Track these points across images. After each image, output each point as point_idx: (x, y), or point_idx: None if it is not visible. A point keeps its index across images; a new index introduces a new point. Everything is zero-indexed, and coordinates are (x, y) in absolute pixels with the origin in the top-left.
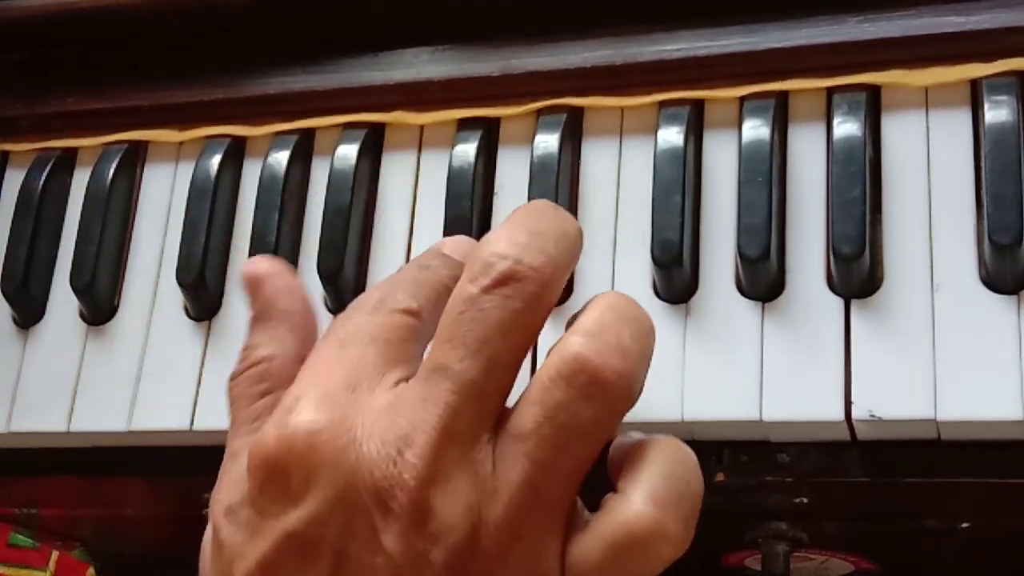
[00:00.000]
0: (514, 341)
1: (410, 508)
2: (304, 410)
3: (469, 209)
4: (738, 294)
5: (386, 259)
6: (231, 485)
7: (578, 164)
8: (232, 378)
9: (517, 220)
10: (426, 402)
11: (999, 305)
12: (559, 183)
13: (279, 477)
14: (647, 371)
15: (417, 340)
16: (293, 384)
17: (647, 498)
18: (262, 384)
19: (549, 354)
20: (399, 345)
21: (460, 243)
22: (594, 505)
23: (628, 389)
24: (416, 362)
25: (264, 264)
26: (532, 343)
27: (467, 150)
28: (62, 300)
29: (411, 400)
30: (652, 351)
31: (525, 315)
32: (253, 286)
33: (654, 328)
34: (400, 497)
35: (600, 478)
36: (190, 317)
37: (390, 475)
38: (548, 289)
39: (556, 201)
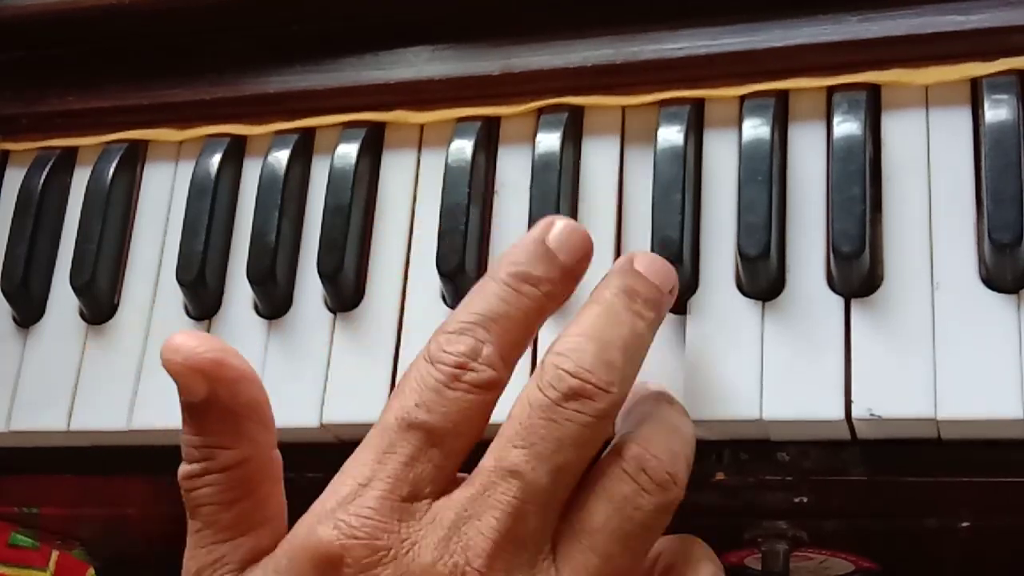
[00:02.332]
0: (583, 453)
1: None
2: (365, 516)
3: (468, 208)
4: (738, 293)
5: (386, 257)
6: None
7: (578, 163)
8: (189, 476)
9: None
10: (493, 506)
11: (999, 304)
12: (560, 182)
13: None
14: (689, 475)
15: (489, 416)
16: (352, 465)
17: None
18: (238, 489)
19: (603, 455)
20: (470, 436)
21: (571, 234)
22: None
23: (679, 491)
24: (480, 435)
25: (207, 346)
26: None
27: (466, 149)
28: (62, 299)
29: (475, 504)
30: (693, 453)
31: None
32: (200, 376)
33: (694, 434)
34: None
35: None
36: (190, 316)
37: None
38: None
39: (557, 200)
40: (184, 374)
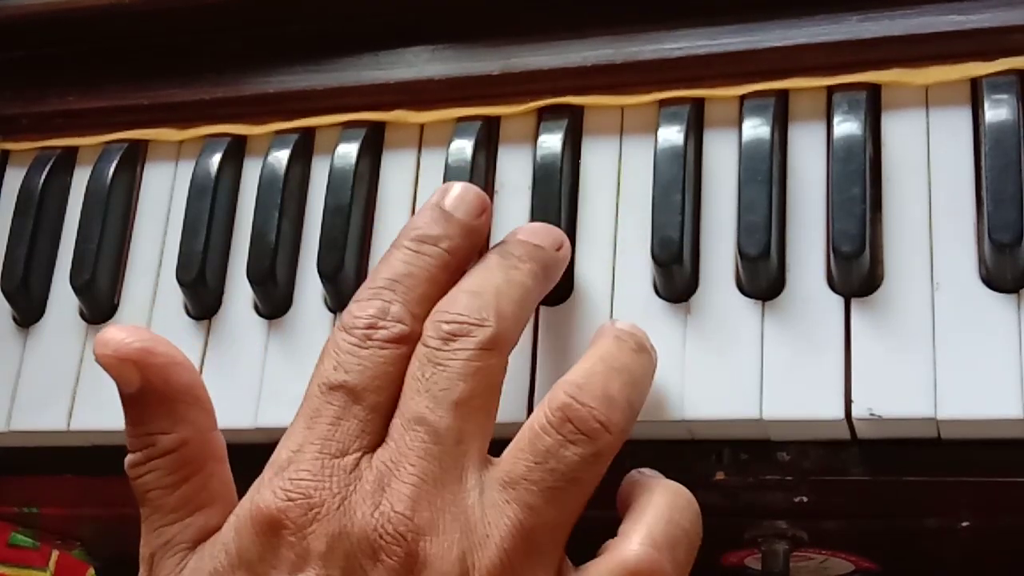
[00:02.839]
0: (477, 384)
1: (404, 558)
2: (301, 479)
3: None
4: (738, 292)
5: None
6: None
7: (578, 163)
8: (133, 465)
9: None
10: (407, 455)
11: (999, 303)
12: (560, 182)
13: (281, 545)
14: (634, 419)
15: (401, 375)
16: (285, 438)
17: (645, 539)
18: (181, 471)
19: (539, 404)
20: (388, 390)
21: (465, 193)
22: (588, 557)
23: (612, 436)
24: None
25: (134, 337)
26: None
27: (466, 149)
28: (62, 299)
29: (392, 456)
30: (643, 398)
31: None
32: (131, 366)
33: (650, 372)
34: (394, 549)
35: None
36: (190, 316)
37: (382, 528)
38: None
39: (557, 200)
40: (115, 366)
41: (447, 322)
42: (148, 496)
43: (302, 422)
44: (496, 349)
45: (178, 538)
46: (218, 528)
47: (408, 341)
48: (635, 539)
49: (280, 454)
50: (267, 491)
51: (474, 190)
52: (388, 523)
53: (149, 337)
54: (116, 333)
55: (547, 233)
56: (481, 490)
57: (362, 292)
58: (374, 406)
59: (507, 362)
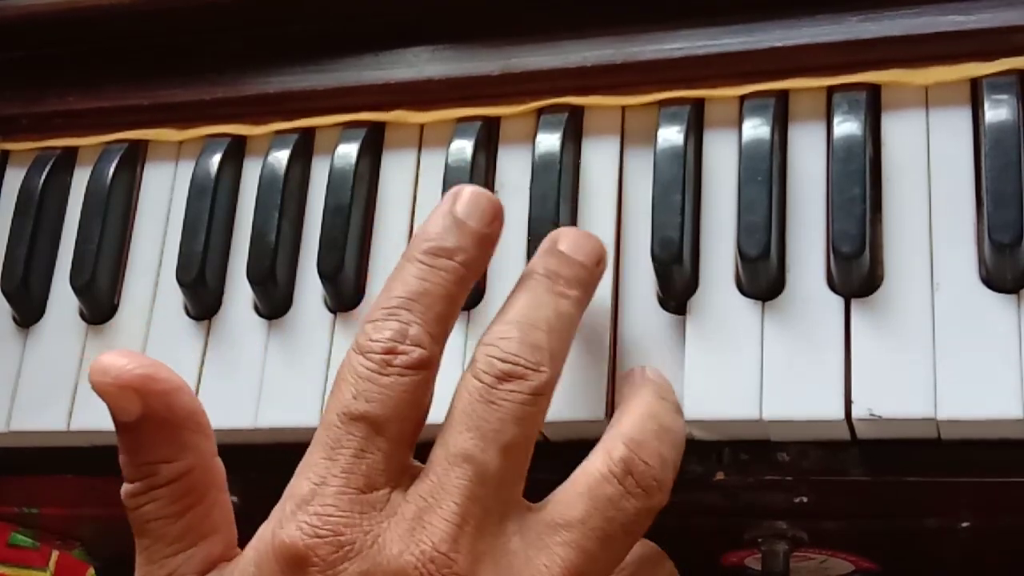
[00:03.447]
0: (526, 430)
1: None
2: (327, 514)
3: None
4: (738, 293)
5: (386, 257)
6: None
7: (578, 163)
8: (132, 495)
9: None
10: (449, 492)
11: (999, 304)
12: (560, 182)
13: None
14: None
15: (427, 394)
16: (305, 468)
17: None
18: (185, 499)
19: (592, 452)
20: (412, 419)
21: (477, 199)
22: None
23: (664, 496)
24: (424, 417)
25: (135, 363)
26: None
27: (467, 149)
28: (62, 299)
29: (432, 492)
30: (681, 457)
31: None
32: (132, 393)
33: (684, 434)
34: None
35: None
36: (190, 316)
37: (423, 568)
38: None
39: (557, 201)
40: (115, 393)
41: (502, 360)
42: (148, 527)
43: (322, 452)
44: (547, 394)
45: (182, 569)
46: (222, 558)
47: (428, 366)
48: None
49: (301, 486)
50: (291, 526)
51: (486, 195)
52: (431, 563)
53: (150, 363)
54: (115, 359)
55: (590, 246)
56: (522, 535)
57: (376, 311)
58: (397, 437)
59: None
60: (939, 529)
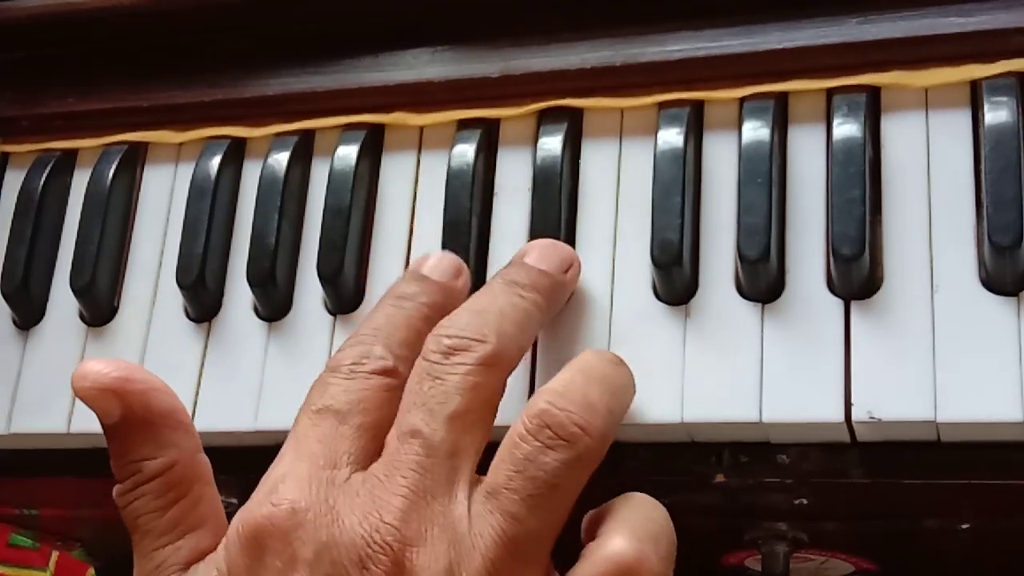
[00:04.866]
0: (474, 398)
1: (391, 568)
2: (289, 490)
3: (468, 209)
4: (738, 295)
5: (386, 259)
6: None
7: (578, 165)
8: (121, 494)
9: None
10: (399, 467)
11: (999, 306)
12: (560, 184)
13: (268, 553)
14: (616, 426)
15: (393, 400)
16: (274, 463)
17: (628, 535)
18: (169, 494)
19: (519, 414)
20: (376, 413)
21: (440, 260)
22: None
23: (593, 440)
24: (392, 420)
25: (111, 367)
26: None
27: (466, 151)
28: (62, 301)
29: (385, 469)
30: (624, 407)
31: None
32: (111, 395)
33: (630, 384)
34: (380, 559)
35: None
36: (190, 318)
37: (369, 538)
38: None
39: (557, 203)
40: (95, 397)
41: (448, 336)
42: (138, 522)
43: (290, 445)
44: (496, 367)
45: (170, 560)
46: (210, 549)
47: (393, 374)
48: (617, 537)
49: (271, 475)
50: (255, 504)
51: (449, 256)
52: (376, 533)
53: (125, 366)
54: (93, 365)
55: (556, 255)
56: (469, 503)
57: (346, 343)
58: (361, 425)
59: (506, 383)
60: (939, 531)
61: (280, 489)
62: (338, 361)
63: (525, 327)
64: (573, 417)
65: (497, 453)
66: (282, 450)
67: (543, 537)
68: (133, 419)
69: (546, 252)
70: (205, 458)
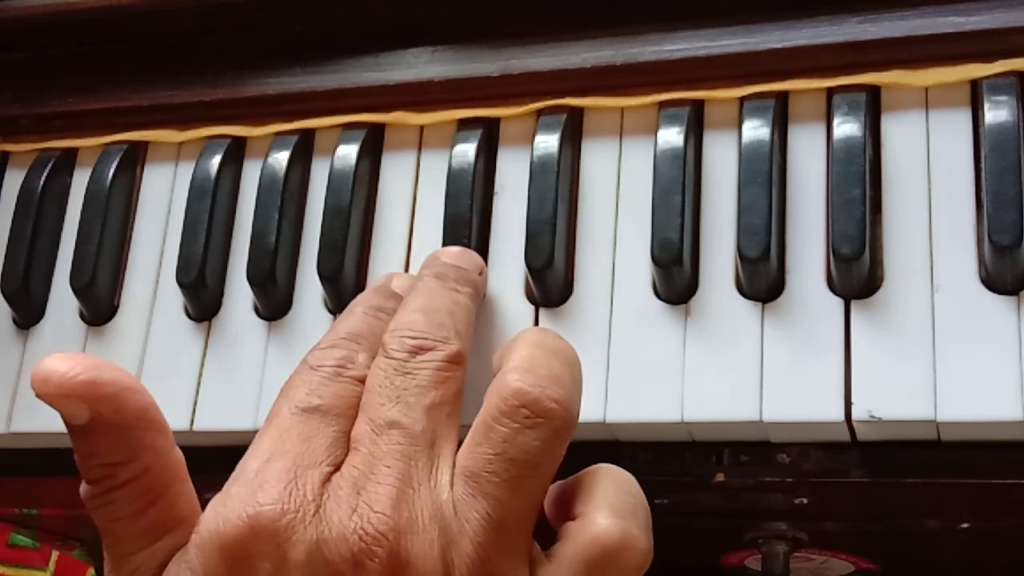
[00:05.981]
0: (445, 391)
1: (387, 559)
2: (273, 489)
3: (469, 209)
4: (738, 294)
5: (386, 259)
6: None
7: (578, 164)
8: (91, 497)
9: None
10: (382, 457)
11: (999, 306)
12: (559, 183)
13: (254, 556)
14: (580, 398)
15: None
16: (250, 455)
17: (609, 512)
18: (144, 498)
19: (487, 396)
20: (352, 418)
21: (407, 279)
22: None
23: (568, 413)
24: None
25: (78, 368)
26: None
27: (467, 150)
28: (62, 300)
29: (364, 461)
30: (581, 378)
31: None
32: (77, 401)
33: (579, 358)
34: (375, 550)
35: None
36: (190, 318)
37: (361, 530)
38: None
39: (555, 202)
40: (61, 402)
41: (412, 337)
42: (110, 527)
43: (268, 440)
44: (460, 364)
45: (146, 565)
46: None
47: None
48: (600, 516)
49: (246, 468)
50: (235, 503)
51: (407, 277)
52: (368, 523)
53: (92, 365)
54: (56, 365)
55: (470, 258)
56: (452, 488)
57: (324, 342)
58: (341, 428)
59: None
60: (939, 530)
61: (265, 488)
62: (320, 360)
63: (469, 323)
64: (547, 392)
65: (470, 436)
66: (258, 441)
67: (526, 516)
68: (102, 424)
69: (459, 254)
70: (179, 454)
